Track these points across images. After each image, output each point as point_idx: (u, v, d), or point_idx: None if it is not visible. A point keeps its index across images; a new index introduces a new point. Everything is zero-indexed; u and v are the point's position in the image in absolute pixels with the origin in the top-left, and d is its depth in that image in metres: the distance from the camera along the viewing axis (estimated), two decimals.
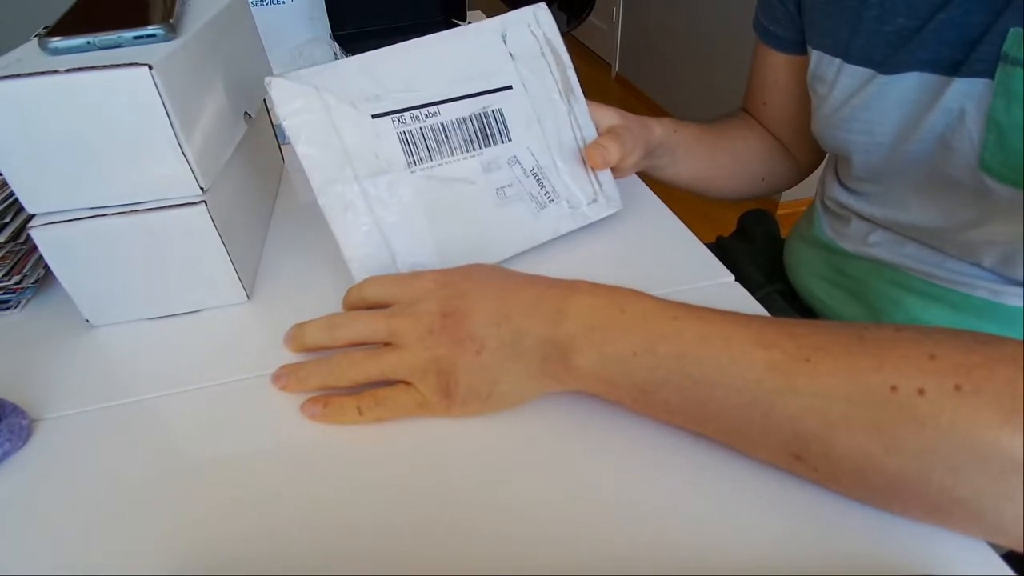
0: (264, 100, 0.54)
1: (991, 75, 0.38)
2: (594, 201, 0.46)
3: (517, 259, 0.44)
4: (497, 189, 0.43)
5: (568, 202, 0.45)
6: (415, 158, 0.40)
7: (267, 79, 0.37)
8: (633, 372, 0.28)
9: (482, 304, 0.32)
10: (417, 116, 0.40)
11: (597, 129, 0.47)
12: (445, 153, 0.41)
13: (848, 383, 0.25)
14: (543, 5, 0.45)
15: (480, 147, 0.42)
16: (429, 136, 0.40)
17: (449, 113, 0.41)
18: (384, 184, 0.39)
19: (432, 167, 0.40)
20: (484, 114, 0.42)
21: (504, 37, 0.43)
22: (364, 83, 0.39)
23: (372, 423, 0.33)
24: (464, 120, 0.41)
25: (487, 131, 0.42)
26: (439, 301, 0.32)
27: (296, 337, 0.36)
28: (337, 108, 0.38)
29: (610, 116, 0.48)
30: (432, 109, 0.40)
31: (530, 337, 0.30)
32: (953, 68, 0.41)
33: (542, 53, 0.45)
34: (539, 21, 0.45)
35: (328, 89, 0.38)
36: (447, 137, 0.41)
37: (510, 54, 0.43)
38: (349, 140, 0.38)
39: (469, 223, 0.42)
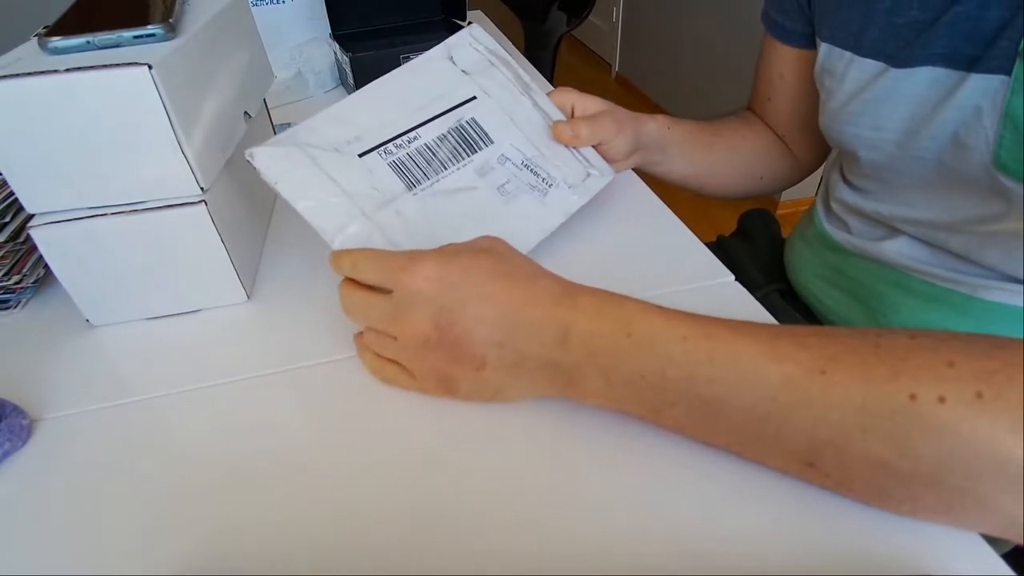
0: (264, 100, 0.54)
1: (1008, 72, 0.38)
2: (588, 176, 0.47)
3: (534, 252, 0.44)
4: (498, 187, 0.43)
5: (566, 183, 0.46)
6: (412, 180, 0.40)
7: (247, 152, 0.36)
8: (642, 394, 0.28)
9: (480, 321, 0.31)
10: (400, 144, 0.41)
11: (577, 115, 0.49)
12: (438, 169, 0.42)
13: (864, 393, 0.24)
14: (475, 24, 0.48)
15: (468, 156, 0.43)
16: (418, 158, 0.41)
17: (428, 134, 0.42)
18: (392, 212, 0.39)
19: (431, 184, 0.41)
20: (461, 126, 0.43)
21: (452, 59, 0.45)
22: (339, 131, 0.40)
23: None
24: (444, 136, 0.43)
25: (469, 140, 0.43)
26: (434, 311, 0.31)
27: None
28: (324, 156, 0.38)
29: (596, 104, 0.49)
30: (412, 135, 0.42)
31: (533, 361, 0.30)
32: (969, 64, 0.40)
33: (491, 63, 0.47)
34: (477, 39, 0.47)
35: (309, 143, 0.38)
36: (434, 155, 0.42)
37: (463, 71, 0.45)
38: (345, 182, 0.38)
39: (484, 225, 0.42)
